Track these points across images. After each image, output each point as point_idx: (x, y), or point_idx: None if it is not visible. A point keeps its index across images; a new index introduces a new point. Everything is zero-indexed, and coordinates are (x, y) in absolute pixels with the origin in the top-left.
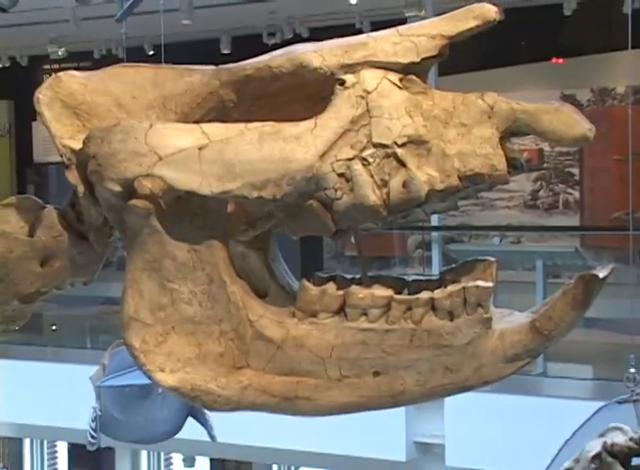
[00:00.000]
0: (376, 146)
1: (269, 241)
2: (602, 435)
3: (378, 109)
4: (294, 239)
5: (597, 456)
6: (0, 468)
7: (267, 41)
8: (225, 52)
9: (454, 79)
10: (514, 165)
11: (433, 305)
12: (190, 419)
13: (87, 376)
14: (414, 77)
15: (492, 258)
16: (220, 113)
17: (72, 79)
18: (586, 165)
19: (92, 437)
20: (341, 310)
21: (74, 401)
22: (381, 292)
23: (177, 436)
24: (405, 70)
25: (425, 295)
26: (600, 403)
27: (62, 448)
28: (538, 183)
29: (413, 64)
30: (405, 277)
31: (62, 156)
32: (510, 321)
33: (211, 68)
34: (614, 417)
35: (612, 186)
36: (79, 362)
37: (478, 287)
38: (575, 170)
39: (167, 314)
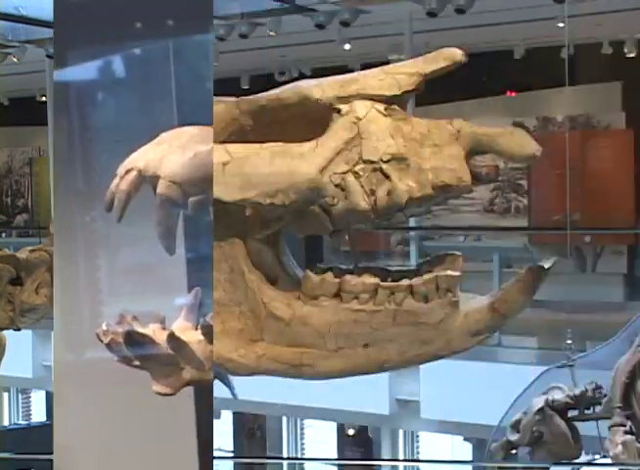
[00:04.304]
0: (365, 162)
1: (279, 238)
2: (545, 393)
3: (367, 132)
4: (299, 237)
5: (541, 410)
6: None
7: (278, 79)
8: (245, 87)
9: (428, 109)
10: (476, 178)
11: (411, 290)
12: (216, 381)
13: None
14: (396, 107)
15: (459, 253)
16: (240, 135)
17: None
18: (533, 178)
19: None
20: (337, 295)
21: None
22: (369, 280)
23: None
24: (389, 101)
25: (405, 282)
26: (543, 368)
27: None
28: (495, 192)
29: (395, 96)
30: (389, 268)
31: None
32: (473, 303)
33: (233, 99)
34: (554, 379)
35: (553, 195)
36: None
37: (447, 275)
38: (524, 182)
39: None
